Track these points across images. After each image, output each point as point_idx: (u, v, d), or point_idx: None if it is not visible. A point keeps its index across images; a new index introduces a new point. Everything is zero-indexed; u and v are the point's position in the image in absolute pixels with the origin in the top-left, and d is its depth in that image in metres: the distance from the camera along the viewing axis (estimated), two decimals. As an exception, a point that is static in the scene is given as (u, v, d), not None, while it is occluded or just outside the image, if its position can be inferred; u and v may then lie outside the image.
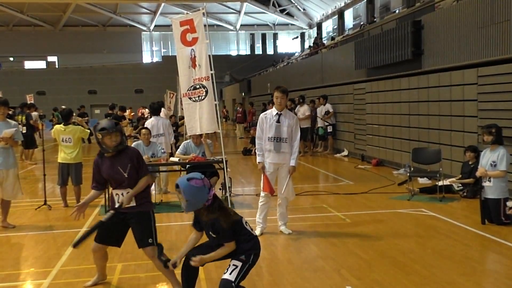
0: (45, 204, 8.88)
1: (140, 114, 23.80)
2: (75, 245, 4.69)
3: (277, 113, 6.73)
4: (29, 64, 45.90)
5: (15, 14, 42.06)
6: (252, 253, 4.19)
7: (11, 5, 40.37)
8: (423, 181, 10.51)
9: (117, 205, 4.75)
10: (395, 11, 23.05)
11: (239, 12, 45.50)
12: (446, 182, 9.30)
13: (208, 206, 4.13)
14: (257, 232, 6.88)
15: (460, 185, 9.20)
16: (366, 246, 6.21)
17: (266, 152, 6.79)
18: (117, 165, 4.73)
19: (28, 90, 33.27)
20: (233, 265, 4.12)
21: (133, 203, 4.76)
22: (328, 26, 38.37)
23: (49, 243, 6.73)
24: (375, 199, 9.17)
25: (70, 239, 6.80)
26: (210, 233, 4.17)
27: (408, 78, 12.16)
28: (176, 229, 7.48)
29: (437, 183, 9.17)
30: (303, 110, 16.33)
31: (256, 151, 7.07)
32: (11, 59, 45.55)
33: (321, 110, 16.57)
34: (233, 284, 4.04)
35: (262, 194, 6.93)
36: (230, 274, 4.08)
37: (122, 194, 4.75)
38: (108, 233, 4.84)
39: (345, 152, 16.05)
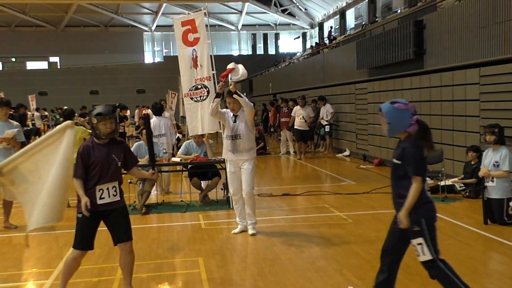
0: (47, 204, 8.87)
1: (142, 114, 23.80)
2: None
3: (233, 115, 6.92)
4: (31, 65, 45.99)
5: (17, 15, 42.14)
6: (424, 220, 3.90)
7: (13, 6, 40.46)
8: (425, 181, 10.48)
9: (100, 202, 4.50)
10: (397, 11, 23.02)
11: (240, 12, 45.52)
12: (448, 182, 9.27)
13: (410, 133, 3.93)
14: (236, 231, 6.97)
15: (462, 185, 9.17)
16: (368, 246, 6.20)
17: (225, 149, 6.95)
18: (112, 153, 4.61)
19: (30, 90, 33.40)
20: (417, 244, 3.91)
21: (117, 198, 4.64)
22: (330, 26, 38.32)
23: (51, 244, 6.73)
24: (377, 199, 9.15)
25: (72, 239, 6.79)
26: (394, 160, 3.93)
27: (410, 78, 12.14)
28: (178, 230, 7.48)
29: (439, 183, 9.15)
30: (308, 112, 15.83)
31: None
32: (13, 59, 45.62)
33: (325, 111, 16.31)
34: (435, 260, 3.93)
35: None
36: (424, 255, 3.92)
37: (107, 189, 4.55)
38: (91, 238, 4.68)
39: (347, 152, 16.02)
